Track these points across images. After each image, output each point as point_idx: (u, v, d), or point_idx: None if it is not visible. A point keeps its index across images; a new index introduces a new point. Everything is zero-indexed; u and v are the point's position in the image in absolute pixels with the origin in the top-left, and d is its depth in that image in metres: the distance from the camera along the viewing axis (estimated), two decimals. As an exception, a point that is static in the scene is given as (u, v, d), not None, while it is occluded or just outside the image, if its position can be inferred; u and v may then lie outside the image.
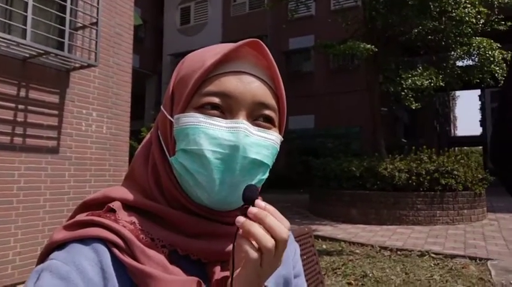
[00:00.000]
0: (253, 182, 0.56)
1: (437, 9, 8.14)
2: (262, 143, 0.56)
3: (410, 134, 22.11)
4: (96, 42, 4.03)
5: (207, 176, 0.54)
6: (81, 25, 4.08)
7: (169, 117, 0.58)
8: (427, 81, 8.04)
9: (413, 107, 8.36)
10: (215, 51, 0.58)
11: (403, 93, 8.16)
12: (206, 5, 19.68)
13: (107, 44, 4.48)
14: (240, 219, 0.48)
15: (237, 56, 0.58)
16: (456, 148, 33.59)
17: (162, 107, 0.62)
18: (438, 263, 4.92)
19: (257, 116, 0.57)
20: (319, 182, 8.79)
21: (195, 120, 0.54)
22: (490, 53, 7.90)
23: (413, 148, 8.58)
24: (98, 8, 4.08)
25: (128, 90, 4.83)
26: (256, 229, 0.47)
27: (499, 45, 8.04)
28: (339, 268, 4.63)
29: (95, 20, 4.10)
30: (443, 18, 8.23)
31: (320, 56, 17.48)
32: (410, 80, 8.02)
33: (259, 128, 0.56)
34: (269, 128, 0.58)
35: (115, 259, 0.51)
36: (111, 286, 0.49)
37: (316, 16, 17.52)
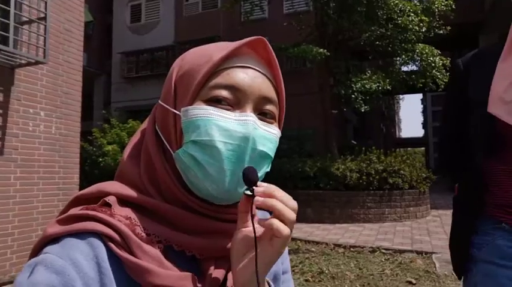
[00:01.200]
0: (259, 174, 0.57)
1: (384, 17, 8.56)
2: (267, 137, 0.58)
3: (360, 135, 23.02)
4: (45, 38, 3.82)
5: (218, 167, 0.54)
6: (27, 19, 3.85)
7: (174, 110, 0.58)
8: (375, 85, 8.44)
9: (363, 110, 8.73)
10: (220, 47, 0.59)
11: (353, 96, 8.50)
12: (158, 3, 19.25)
13: (56, 41, 4.26)
14: (259, 198, 0.51)
15: (241, 52, 0.59)
16: (401, 149, 35.52)
17: (161, 101, 0.61)
18: (388, 259, 5.17)
19: (261, 110, 0.59)
20: (275, 182, 8.88)
21: (205, 112, 0.55)
22: (431, 59, 8.43)
23: (364, 148, 8.95)
24: (46, 2, 3.88)
25: (79, 89, 4.63)
26: (278, 203, 0.51)
27: (439, 52, 8.61)
28: (296, 266, 4.72)
29: (43, 15, 3.88)
30: (390, 25, 8.64)
31: (273, 59, 17.73)
32: (359, 84, 8.37)
33: (264, 122, 0.59)
34: (271, 123, 0.60)
35: (111, 254, 0.50)
36: (107, 280, 0.48)
37: (270, 19, 17.73)
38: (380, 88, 8.51)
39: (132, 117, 17.47)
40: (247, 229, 0.53)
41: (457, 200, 1.38)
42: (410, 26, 8.29)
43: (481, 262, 1.18)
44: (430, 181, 8.79)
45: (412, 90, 14.75)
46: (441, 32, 8.53)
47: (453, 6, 8.48)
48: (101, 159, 5.70)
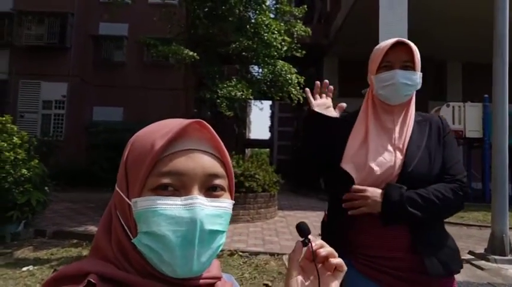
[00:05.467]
0: (213, 250, 0.63)
1: (252, 30, 9.09)
2: (216, 213, 0.63)
3: (214, 134, 23.74)
4: None
5: (171, 254, 0.59)
6: None
7: (127, 200, 0.62)
8: (240, 93, 8.87)
9: (227, 115, 9.09)
10: (163, 131, 0.63)
11: (218, 101, 8.77)
12: (-7, -39, 16.14)
13: None
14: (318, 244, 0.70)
15: (183, 133, 0.64)
16: (250, 149, 38.09)
17: (117, 187, 0.65)
18: (246, 261, 5.55)
19: (209, 186, 0.64)
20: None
21: (152, 203, 0.59)
22: (289, 76, 9.32)
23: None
24: None
25: None
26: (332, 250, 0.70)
27: (296, 70, 9.60)
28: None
29: None
30: (256, 39, 9.20)
31: (134, 48, 16.85)
32: (225, 90, 8.68)
33: (212, 199, 0.63)
34: (221, 195, 0.65)
35: None
36: None
37: (134, 5, 16.74)
38: (243, 96, 8.98)
39: None
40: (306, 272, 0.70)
41: (324, 226, 1.62)
42: (274, 43, 9.00)
43: None
44: (279, 184, 9.72)
45: (265, 97, 15.98)
46: (298, 54, 9.47)
47: (310, 33, 9.56)
48: None
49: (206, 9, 9.15)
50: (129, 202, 0.61)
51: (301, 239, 0.71)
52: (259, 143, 48.61)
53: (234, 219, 8.43)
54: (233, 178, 0.70)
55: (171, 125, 0.64)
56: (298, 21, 10.00)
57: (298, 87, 9.45)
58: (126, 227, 0.62)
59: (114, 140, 13.97)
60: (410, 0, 9.92)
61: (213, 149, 0.66)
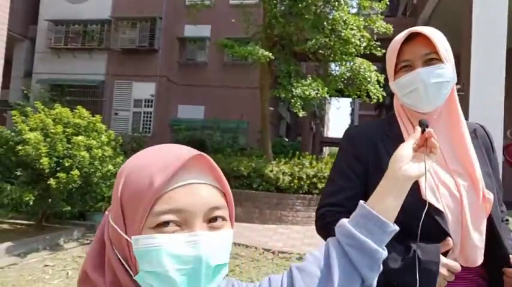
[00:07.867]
0: (217, 283, 0.61)
1: (329, 27, 8.81)
2: (221, 244, 0.61)
3: (291, 132, 23.68)
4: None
5: None
6: None
7: (126, 237, 0.58)
8: (314, 92, 8.67)
9: (300, 115, 8.95)
10: (160, 164, 0.59)
11: (292, 100, 8.67)
12: (96, -29, 17.86)
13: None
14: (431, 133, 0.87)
15: (182, 166, 0.60)
16: (328, 147, 37.34)
17: (112, 221, 0.61)
18: (314, 266, 5.40)
19: (210, 218, 0.61)
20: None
21: (155, 241, 0.56)
22: (368, 73, 8.87)
23: (298, 153, 9.22)
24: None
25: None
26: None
27: (375, 67, 9.10)
28: (227, 275, 4.73)
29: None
30: (333, 36, 8.90)
31: (215, 48, 17.46)
32: (299, 89, 8.55)
33: (215, 231, 0.61)
34: (222, 226, 0.63)
35: None
36: None
37: (215, 7, 17.37)
38: (318, 95, 8.77)
39: (55, 91, 16.20)
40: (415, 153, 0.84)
41: None
42: (353, 39, 8.63)
43: None
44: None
45: (342, 95, 15.45)
46: (377, 53, 8.92)
47: (391, 31, 8.95)
48: (20, 147, 5.14)
49: (283, 8, 9.09)
50: (129, 239, 0.58)
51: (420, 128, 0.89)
52: (338, 142, 47.08)
53: (306, 221, 8.29)
54: (233, 207, 0.68)
55: (168, 156, 0.61)
56: (380, 15, 9.45)
57: (377, 86, 8.96)
58: (125, 263, 0.60)
59: (195, 137, 14.68)
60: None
61: (213, 180, 0.63)
